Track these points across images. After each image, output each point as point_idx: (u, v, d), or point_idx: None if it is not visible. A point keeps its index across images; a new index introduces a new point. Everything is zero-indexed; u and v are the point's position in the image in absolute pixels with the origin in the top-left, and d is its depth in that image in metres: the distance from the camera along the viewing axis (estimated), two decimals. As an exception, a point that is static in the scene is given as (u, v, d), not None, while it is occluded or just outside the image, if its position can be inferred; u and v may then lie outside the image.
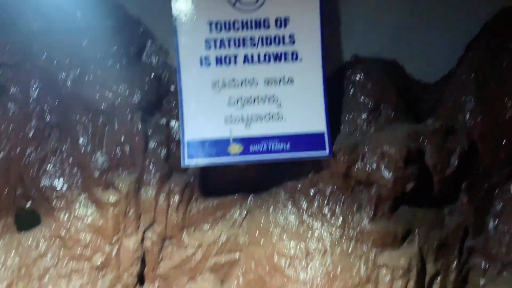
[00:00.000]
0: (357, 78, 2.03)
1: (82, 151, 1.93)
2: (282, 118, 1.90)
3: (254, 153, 1.87)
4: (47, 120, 1.95)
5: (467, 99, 2.05)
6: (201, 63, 1.90)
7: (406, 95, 2.09)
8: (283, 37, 1.90)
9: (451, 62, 2.09)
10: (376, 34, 2.05)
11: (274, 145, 1.88)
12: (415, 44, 2.06)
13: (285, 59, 1.91)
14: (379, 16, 2.02)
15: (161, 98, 2.05)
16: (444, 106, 2.09)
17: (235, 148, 1.87)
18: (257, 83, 1.91)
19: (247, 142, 1.88)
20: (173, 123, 2.05)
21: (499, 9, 2.03)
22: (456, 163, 1.95)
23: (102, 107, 1.92)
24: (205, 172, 1.97)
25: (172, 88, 2.05)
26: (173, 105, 2.05)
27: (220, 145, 1.87)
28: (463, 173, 2.01)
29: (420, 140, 1.93)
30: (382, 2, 2.00)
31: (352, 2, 2.00)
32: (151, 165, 1.98)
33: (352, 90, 2.04)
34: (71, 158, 1.95)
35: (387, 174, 1.86)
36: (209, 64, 1.90)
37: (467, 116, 2.05)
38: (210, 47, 1.90)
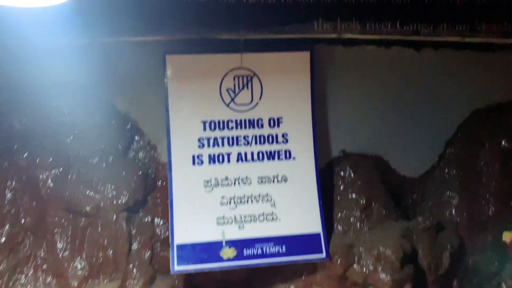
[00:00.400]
0: (347, 174, 1.93)
1: (60, 257, 1.66)
2: (276, 218, 1.73)
3: (248, 257, 1.66)
4: (22, 223, 1.68)
5: (451, 195, 1.99)
6: (193, 162, 1.73)
7: (393, 189, 2.01)
8: (277, 136, 1.78)
9: (433, 158, 2.05)
10: (363, 131, 1.98)
11: (269, 248, 1.69)
12: (399, 141, 2.01)
13: (279, 157, 1.78)
14: (365, 115, 1.96)
15: (147, 194, 1.84)
16: (429, 202, 2.02)
17: (228, 252, 1.67)
18: (250, 182, 1.75)
19: (240, 246, 1.68)
20: (158, 220, 1.83)
21: (472, 110, 2.05)
22: (448, 262, 1.85)
23: (85, 209, 1.69)
24: (190, 274, 1.74)
25: (159, 183, 1.86)
26: (159, 201, 1.84)
27: (212, 249, 1.66)
28: (454, 269, 1.90)
29: (413, 239, 1.82)
30: (368, 103, 1.95)
31: (340, 102, 1.93)
32: (134, 269, 1.72)
33: (342, 186, 1.93)
34: (46, 266, 1.67)
35: (384, 277, 1.71)
36: (202, 163, 1.73)
37: (453, 212, 1.98)
38: (203, 146, 1.74)
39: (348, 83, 1.93)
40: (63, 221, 1.67)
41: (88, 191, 1.67)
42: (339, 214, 1.86)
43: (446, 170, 2.03)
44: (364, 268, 1.71)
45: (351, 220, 1.84)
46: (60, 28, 1.53)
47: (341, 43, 1.90)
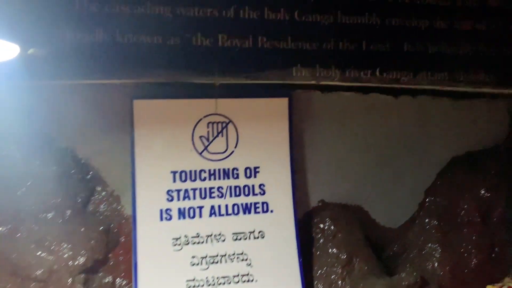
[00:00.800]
0: (326, 226, 1.81)
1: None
2: (253, 279, 1.57)
3: (223, 325, 1.49)
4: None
5: (433, 246, 1.90)
6: (161, 217, 1.55)
7: (374, 240, 1.91)
8: (253, 187, 1.64)
9: (413, 207, 1.98)
10: (342, 180, 1.88)
11: (246, 313, 1.52)
12: (379, 190, 1.93)
13: (255, 210, 1.63)
14: (345, 164, 1.87)
15: (108, 252, 1.64)
16: (411, 253, 1.92)
17: (200, 320, 1.48)
18: (224, 239, 1.59)
19: (214, 312, 1.50)
20: (120, 281, 1.63)
21: (451, 157, 2.01)
22: (433, 320, 1.73)
23: (36, 273, 1.46)
24: None
25: (122, 239, 1.66)
26: (122, 259, 1.65)
27: (181, 317, 1.47)
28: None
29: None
30: (347, 151, 1.87)
31: (318, 149, 1.84)
32: None
33: (322, 240, 1.80)
34: None
35: None
36: (170, 218, 1.56)
37: (436, 265, 1.88)
38: (172, 199, 1.57)
39: (326, 130, 1.84)
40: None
41: (40, 251, 1.46)
42: (319, 270, 1.72)
43: (427, 220, 1.96)
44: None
45: (332, 277, 1.69)
46: (15, 70, 1.36)
47: (319, 89, 1.82)
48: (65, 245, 1.49)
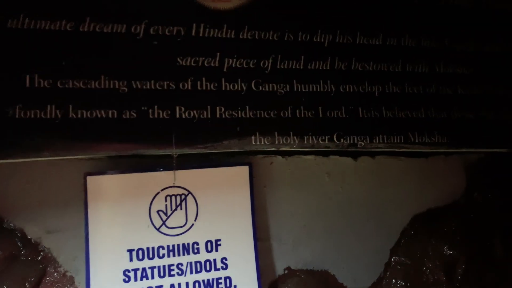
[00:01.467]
0: (292, 295, 1.74)
1: None
2: None
3: None
4: None
5: (401, 311, 1.85)
6: (117, 299, 1.44)
7: (342, 306, 1.84)
8: (215, 262, 1.56)
9: (380, 267, 1.94)
10: (307, 245, 1.83)
11: None
12: (344, 253, 1.89)
13: (218, 287, 1.54)
14: (308, 228, 1.83)
15: None
16: (380, 318, 1.86)
17: None
18: (186, 321, 1.48)
19: None
20: None
21: (412, 216, 2.00)
22: None
23: None
24: None
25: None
26: None
27: None
28: None
29: None
30: (309, 215, 1.83)
31: (281, 215, 1.79)
32: None
33: (288, 311, 1.72)
34: None
35: None
36: (127, 300, 1.45)
37: (406, 329, 1.82)
38: (129, 279, 1.47)
39: (288, 195, 1.81)
40: None
41: None
42: None
43: (393, 281, 1.92)
44: None
45: None
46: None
47: (279, 153, 1.81)
48: None
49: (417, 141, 1.77)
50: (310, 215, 1.85)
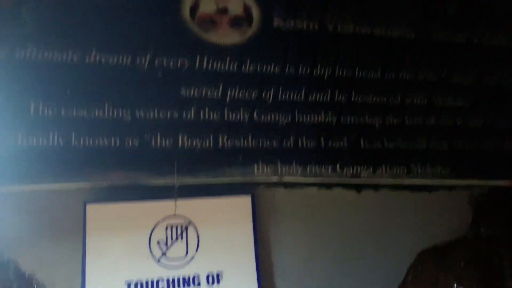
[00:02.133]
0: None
1: None
2: None
3: None
4: None
5: None
6: (113, 337, 1.35)
7: None
8: (216, 296, 1.49)
9: (387, 305, 1.85)
10: (311, 279, 1.76)
11: None
12: (349, 285, 1.81)
13: (219, 326, 1.45)
14: (312, 261, 1.77)
15: None
16: None
17: None
18: None
19: None
20: None
21: (419, 251, 1.94)
22: None
23: None
24: None
25: None
26: None
27: None
28: None
29: None
30: (313, 248, 1.78)
31: (285, 247, 1.73)
32: None
33: None
34: None
35: None
36: None
37: None
38: (126, 314, 1.39)
39: (292, 227, 1.76)
40: None
41: None
42: None
43: (403, 318, 1.81)
44: None
45: None
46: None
47: (282, 185, 1.78)
48: None
49: (419, 172, 1.75)
50: (314, 248, 1.80)
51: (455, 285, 1.88)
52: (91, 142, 1.44)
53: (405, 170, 1.73)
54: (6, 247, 1.46)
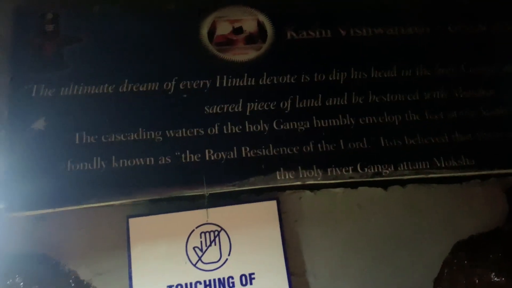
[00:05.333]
0: (333, 329, 1.72)
1: None
2: None
3: None
4: None
5: None
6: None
7: None
8: (250, 296, 1.62)
9: (423, 299, 1.87)
10: (343, 279, 1.82)
11: None
12: (384, 286, 1.86)
13: (254, 319, 1.59)
14: (343, 262, 1.83)
15: None
16: None
17: None
18: None
19: None
20: None
21: (454, 243, 1.95)
22: None
23: None
24: None
25: None
26: None
27: None
28: None
29: None
30: (344, 248, 1.84)
31: (315, 249, 1.82)
32: None
33: None
34: None
35: None
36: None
37: None
38: (170, 305, 1.56)
39: (319, 229, 1.85)
40: None
41: None
42: None
43: (441, 313, 1.83)
44: None
45: None
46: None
47: (308, 188, 1.88)
48: None
49: (443, 165, 1.78)
50: (344, 248, 1.86)
51: (493, 276, 1.87)
52: (129, 162, 1.64)
53: (428, 165, 1.77)
54: (66, 259, 1.69)
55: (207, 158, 1.67)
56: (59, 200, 1.55)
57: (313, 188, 1.89)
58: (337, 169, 1.72)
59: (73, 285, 1.68)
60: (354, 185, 1.92)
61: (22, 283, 1.59)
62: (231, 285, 1.60)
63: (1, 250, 1.60)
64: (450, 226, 1.95)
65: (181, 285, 1.58)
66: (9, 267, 1.60)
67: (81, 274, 1.69)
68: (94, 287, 1.70)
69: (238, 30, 1.84)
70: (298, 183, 1.71)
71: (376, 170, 1.74)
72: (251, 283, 1.61)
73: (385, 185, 1.95)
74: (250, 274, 1.63)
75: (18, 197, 1.52)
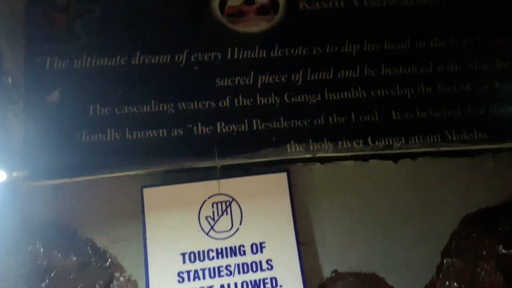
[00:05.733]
0: (340, 298, 1.78)
1: None
2: None
3: None
4: None
5: (457, 311, 1.81)
6: (173, 299, 1.60)
7: (393, 309, 1.84)
8: (261, 263, 1.67)
9: (431, 270, 1.90)
10: (353, 249, 1.86)
11: None
12: (393, 255, 1.88)
13: (265, 287, 1.65)
14: (353, 232, 1.87)
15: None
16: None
17: None
18: (236, 318, 1.60)
19: None
20: None
21: (462, 216, 1.97)
22: None
23: None
24: None
25: (141, 323, 1.69)
26: None
27: None
28: None
29: None
30: (353, 219, 1.87)
31: (324, 220, 1.86)
32: None
33: (337, 313, 1.76)
34: None
35: None
36: (183, 299, 1.60)
37: (463, 331, 1.77)
38: (183, 280, 1.63)
39: (330, 201, 1.88)
40: None
41: None
42: None
43: (447, 283, 1.87)
44: None
45: None
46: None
47: (318, 160, 1.90)
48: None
49: (455, 139, 1.78)
50: (353, 220, 1.89)
51: (501, 248, 1.90)
52: (142, 134, 1.67)
53: (439, 138, 1.77)
54: (83, 228, 1.76)
55: (219, 131, 1.70)
56: (75, 170, 1.60)
57: (323, 160, 1.91)
58: (347, 142, 1.73)
59: (90, 251, 1.75)
60: (364, 158, 1.94)
61: (42, 249, 1.66)
62: (242, 253, 1.65)
63: (23, 217, 1.67)
64: (460, 199, 1.97)
65: (194, 252, 1.64)
66: (30, 234, 1.67)
67: (97, 241, 1.76)
68: (110, 254, 1.76)
69: (249, 1, 1.82)
70: (309, 155, 1.73)
71: (387, 143, 1.75)
72: (261, 252, 1.66)
73: (395, 158, 1.96)
74: (261, 243, 1.68)
75: (37, 166, 1.57)
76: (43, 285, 1.63)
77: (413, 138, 1.75)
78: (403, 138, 1.75)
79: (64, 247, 1.68)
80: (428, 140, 1.76)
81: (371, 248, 1.88)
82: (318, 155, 1.73)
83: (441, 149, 1.81)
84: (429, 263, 1.91)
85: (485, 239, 1.92)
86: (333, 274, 1.84)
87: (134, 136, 1.65)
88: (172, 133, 1.68)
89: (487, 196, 1.98)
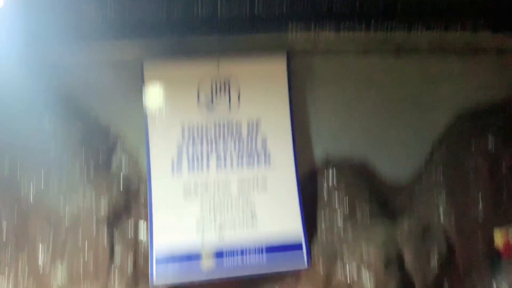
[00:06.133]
0: (330, 180, 1.86)
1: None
2: (257, 228, 1.67)
3: (228, 268, 1.61)
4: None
5: (439, 199, 1.91)
6: (172, 169, 1.69)
7: (379, 195, 1.94)
8: (256, 140, 1.74)
9: (420, 162, 1.96)
10: (345, 136, 1.91)
11: (249, 259, 1.63)
12: (383, 145, 1.93)
13: (258, 162, 1.73)
14: (347, 120, 1.90)
15: (129, 208, 1.78)
16: (417, 207, 1.93)
17: (208, 263, 1.62)
18: (230, 190, 1.69)
19: (220, 257, 1.63)
20: (141, 236, 1.77)
21: (456, 112, 1.98)
22: (436, 267, 1.77)
23: (65, 219, 1.66)
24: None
25: (142, 199, 1.80)
26: (143, 215, 1.79)
27: (191, 261, 1.60)
28: (443, 273, 1.81)
29: (399, 244, 1.75)
30: (349, 108, 1.90)
31: (320, 107, 1.88)
32: (115, 278, 1.68)
33: (326, 193, 1.87)
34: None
35: (368, 284, 1.64)
36: (181, 170, 1.70)
37: (441, 216, 1.89)
38: (182, 152, 1.71)
39: (328, 91, 1.90)
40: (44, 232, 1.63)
41: (68, 201, 1.64)
42: (322, 224, 1.79)
43: (434, 174, 1.95)
44: (348, 277, 1.64)
45: (334, 230, 1.76)
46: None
47: (318, 52, 1.86)
48: (89, 198, 1.65)
49: (459, 27, 1.71)
50: (349, 110, 1.91)
51: (490, 145, 1.94)
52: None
53: (443, 26, 1.71)
54: (86, 102, 1.79)
55: (219, 12, 1.65)
56: (77, 35, 1.58)
57: (324, 52, 1.87)
58: (350, 32, 1.68)
59: (93, 126, 1.80)
60: (366, 50, 1.90)
61: (47, 124, 1.71)
62: (238, 129, 1.71)
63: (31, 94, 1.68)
64: (457, 95, 1.97)
65: (192, 126, 1.69)
66: (37, 109, 1.69)
67: (100, 115, 1.80)
68: (112, 129, 1.82)
69: None
70: (309, 46, 1.69)
71: (389, 35, 1.69)
72: (257, 129, 1.72)
73: (398, 51, 1.92)
74: (257, 122, 1.71)
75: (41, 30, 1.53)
76: (51, 155, 1.70)
77: (417, 28, 1.70)
78: (406, 26, 1.69)
79: (69, 121, 1.74)
80: (432, 28, 1.70)
81: (364, 136, 1.92)
82: (321, 44, 1.68)
83: (445, 41, 1.76)
84: (419, 155, 1.97)
85: (476, 135, 1.95)
86: (324, 159, 1.90)
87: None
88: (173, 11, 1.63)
89: (487, 94, 1.98)
